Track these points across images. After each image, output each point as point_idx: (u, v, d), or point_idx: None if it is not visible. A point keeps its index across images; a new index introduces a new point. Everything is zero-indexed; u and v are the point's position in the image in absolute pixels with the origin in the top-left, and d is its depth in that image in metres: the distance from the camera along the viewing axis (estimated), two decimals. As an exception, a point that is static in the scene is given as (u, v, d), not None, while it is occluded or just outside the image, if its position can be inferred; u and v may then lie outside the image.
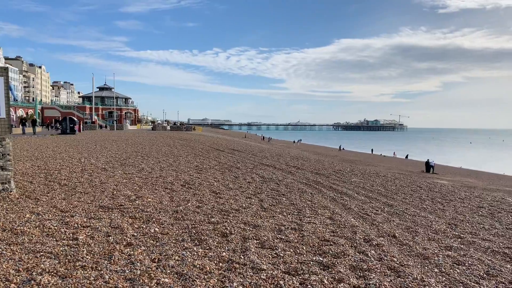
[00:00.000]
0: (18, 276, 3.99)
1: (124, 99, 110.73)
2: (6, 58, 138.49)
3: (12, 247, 4.81)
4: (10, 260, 4.39)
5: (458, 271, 4.74)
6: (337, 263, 4.72)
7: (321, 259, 4.84)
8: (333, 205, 8.24)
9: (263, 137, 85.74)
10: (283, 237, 5.64)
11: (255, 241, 5.35)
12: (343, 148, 64.07)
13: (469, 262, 5.08)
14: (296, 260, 4.74)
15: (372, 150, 65.51)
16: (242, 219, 6.43)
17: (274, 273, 4.30)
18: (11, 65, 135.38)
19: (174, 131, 67.14)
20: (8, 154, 8.02)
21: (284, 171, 13.65)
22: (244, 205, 7.57)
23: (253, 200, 8.07)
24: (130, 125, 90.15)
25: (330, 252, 5.11)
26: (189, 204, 7.48)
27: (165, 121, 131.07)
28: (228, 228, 5.87)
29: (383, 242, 5.72)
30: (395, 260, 4.97)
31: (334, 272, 4.44)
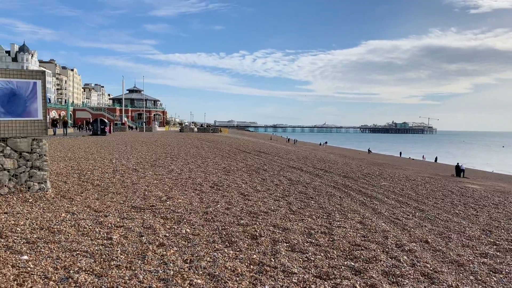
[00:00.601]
0: (56, 273, 4.13)
1: (153, 101, 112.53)
2: (41, 61, 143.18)
3: (49, 245, 4.97)
4: (48, 258, 4.54)
5: (495, 279, 4.61)
6: (369, 268, 4.66)
7: (352, 264, 4.80)
8: (363, 209, 8.15)
9: (289, 139, 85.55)
10: (313, 240, 5.62)
11: (285, 244, 5.36)
12: (371, 151, 63.21)
13: (507, 270, 4.93)
14: (327, 264, 4.71)
15: (400, 153, 64.38)
16: (271, 222, 6.44)
17: (305, 277, 4.29)
18: (44, 68, 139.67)
19: (201, 132, 67.89)
20: (44, 155, 8.30)
21: (312, 173, 13.59)
22: (272, 207, 7.58)
23: (282, 203, 8.07)
24: (159, 126, 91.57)
25: (362, 257, 5.05)
26: (219, 205, 7.55)
27: (192, 123, 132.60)
28: (258, 230, 5.89)
29: (415, 247, 5.62)
30: (429, 266, 4.88)
31: (366, 277, 4.39)
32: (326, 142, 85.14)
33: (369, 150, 64.37)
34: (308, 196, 9.06)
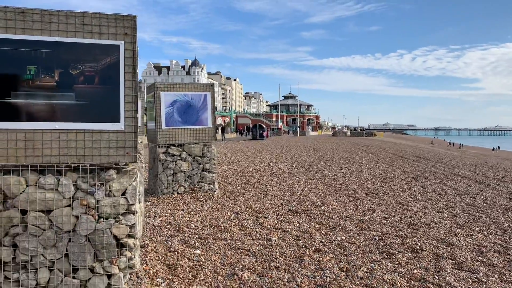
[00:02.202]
0: (224, 269, 4.54)
1: (306, 106, 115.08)
2: (209, 74, 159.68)
3: (218, 242, 5.50)
4: (217, 254, 5.03)
5: None
6: (559, 299, 3.96)
7: (536, 291, 4.14)
8: (550, 227, 6.93)
9: (452, 143, 77.85)
10: (484, 259, 5.02)
11: (450, 260, 4.91)
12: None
13: None
14: (502, 289, 4.16)
15: None
16: (434, 235, 5.97)
17: (475, 300, 3.86)
18: (212, 79, 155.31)
19: (354, 136, 66.67)
20: (213, 159, 9.23)
21: (482, 183, 12.13)
22: (435, 219, 7.01)
23: (446, 215, 7.41)
24: (312, 131, 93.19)
25: (549, 284, 4.32)
26: (375, 214, 7.32)
27: (345, 126, 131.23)
28: (419, 243, 5.52)
29: None
30: None
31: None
32: (498, 147, 74.97)
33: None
34: (477, 208, 8.13)
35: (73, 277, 3.59)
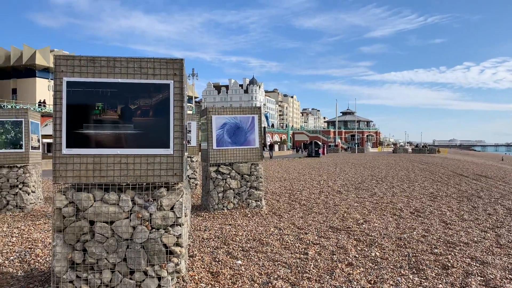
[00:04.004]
0: (260, 278, 5.06)
1: (366, 122, 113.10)
2: (266, 91, 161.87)
3: (258, 254, 6.03)
4: (256, 265, 5.56)
5: None
6: None
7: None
8: None
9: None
10: (516, 278, 5.12)
11: (478, 277, 5.07)
12: None
13: None
14: (525, 306, 4.30)
15: None
16: (469, 254, 6.09)
17: (493, 314, 4.07)
18: (269, 97, 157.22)
19: (415, 153, 64.57)
20: (260, 177, 9.82)
21: (541, 203, 11.67)
22: (476, 238, 7.07)
23: (489, 234, 7.41)
24: (371, 147, 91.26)
25: None
26: (414, 232, 7.49)
27: (407, 143, 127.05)
28: (451, 261, 5.70)
29: None
30: None
31: None
32: None
33: None
34: (526, 229, 7.99)
35: (130, 278, 4.29)
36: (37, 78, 64.55)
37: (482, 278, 5.07)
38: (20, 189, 9.93)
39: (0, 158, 9.73)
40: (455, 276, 5.14)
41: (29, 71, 64.06)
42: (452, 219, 8.78)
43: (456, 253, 6.12)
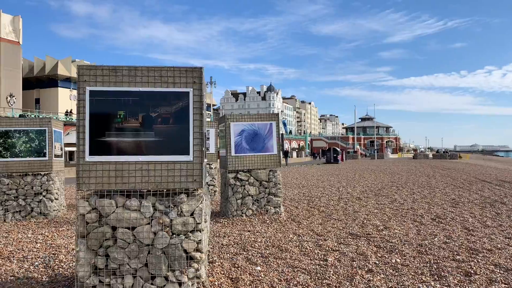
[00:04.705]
0: (279, 284, 5.07)
1: (385, 128, 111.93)
2: (284, 98, 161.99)
3: (277, 261, 6.04)
4: (275, 271, 5.57)
5: None
6: None
7: None
8: None
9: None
10: (542, 286, 5.00)
11: (503, 285, 4.97)
12: None
13: None
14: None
15: None
16: (493, 261, 5.97)
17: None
18: (287, 103, 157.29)
19: (436, 159, 63.57)
20: (278, 183, 9.84)
21: None
22: (499, 245, 6.92)
23: (513, 241, 7.25)
24: (391, 153, 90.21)
25: None
26: (436, 239, 7.38)
27: (428, 148, 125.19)
28: (474, 268, 5.60)
29: None
30: None
31: None
32: None
33: None
34: (552, 235, 7.79)
35: (151, 284, 4.36)
36: (59, 88, 66.03)
37: (507, 285, 4.96)
38: (44, 196, 10.17)
39: (24, 166, 9.99)
40: (478, 283, 5.04)
41: (51, 81, 65.62)
42: (474, 226, 8.61)
43: (479, 260, 6.01)
